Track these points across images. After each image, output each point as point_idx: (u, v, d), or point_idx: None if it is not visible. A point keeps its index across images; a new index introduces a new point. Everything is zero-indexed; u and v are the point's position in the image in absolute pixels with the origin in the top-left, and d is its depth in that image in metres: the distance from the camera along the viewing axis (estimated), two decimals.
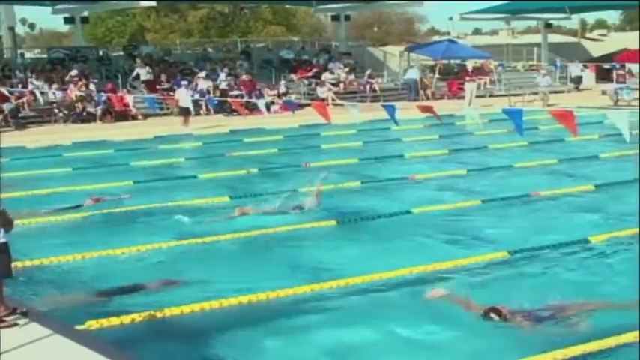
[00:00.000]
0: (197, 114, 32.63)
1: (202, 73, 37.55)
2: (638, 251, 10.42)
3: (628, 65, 45.94)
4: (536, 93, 38.75)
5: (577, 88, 44.08)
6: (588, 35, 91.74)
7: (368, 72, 42.24)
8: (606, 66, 45.29)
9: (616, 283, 10.19)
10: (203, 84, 36.39)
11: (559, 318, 8.69)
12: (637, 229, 12.41)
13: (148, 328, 8.75)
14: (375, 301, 9.69)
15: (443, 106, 23.47)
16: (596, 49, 60.65)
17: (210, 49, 49.52)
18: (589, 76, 47.54)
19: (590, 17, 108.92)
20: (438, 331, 8.68)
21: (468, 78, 40.73)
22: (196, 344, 8.48)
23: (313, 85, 40.27)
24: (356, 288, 10.05)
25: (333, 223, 13.53)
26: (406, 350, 8.32)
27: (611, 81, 41.26)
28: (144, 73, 36.94)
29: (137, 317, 8.87)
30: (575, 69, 45.44)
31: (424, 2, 49.36)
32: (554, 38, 61.82)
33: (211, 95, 34.80)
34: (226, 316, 9.14)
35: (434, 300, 9.28)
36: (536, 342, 8.10)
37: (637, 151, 20.39)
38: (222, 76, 38.02)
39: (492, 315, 8.56)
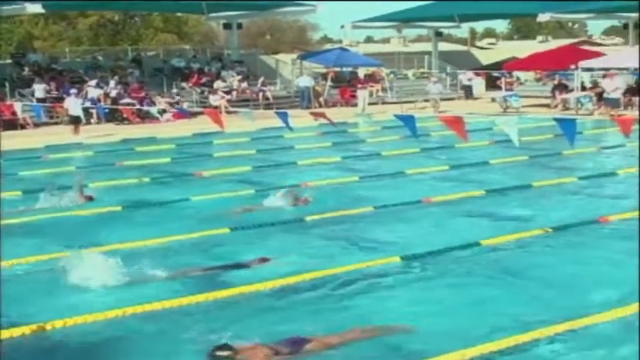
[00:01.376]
0: (88, 123, 32.13)
1: (93, 82, 36.97)
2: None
3: (516, 73, 46.96)
4: (427, 100, 39.28)
5: (467, 97, 44.59)
6: (478, 44, 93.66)
7: (261, 80, 42.26)
8: (495, 74, 46.17)
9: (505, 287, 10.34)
10: (93, 92, 35.83)
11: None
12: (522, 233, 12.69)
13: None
14: (260, 309, 9.60)
15: (336, 114, 23.56)
16: (485, 57, 61.82)
17: (100, 57, 48.85)
18: (479, 83, 48.41)
19: (480, 26, 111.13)
20: None
21: (360, 85, 41.03)
22: None
23: (206, 94, 40.07)
24: (236, 298, 9.92)
25: (226, 230, 13.42)
26: None
27: (501, 89, 42.05)
28: (40, 89, 35.85)
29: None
30: (463, 77, 46.03)
31: (316, 9, 49.45)
32: (444, 46, 62.93)
33: (102, 104, 34.29)
34: None
35: None
36: None
37: (526, 157, 20.92)
38: (112, 84, 37.49)
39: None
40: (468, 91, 44.54)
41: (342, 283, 10.35)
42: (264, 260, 11.54)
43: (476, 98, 41.08)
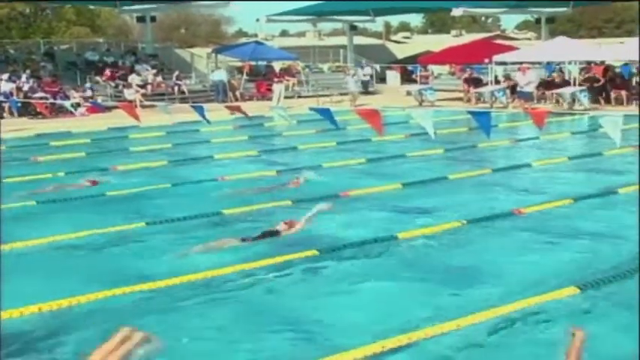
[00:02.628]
0: (0, 117, 31.52)
1: (4, 75, 36.26)
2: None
3: (431, 67, 47.38)
4: (344, 94, 39.41)
5: (367, 92, 43.93)
6: (393, 37, 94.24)
7: (175, 73, 41.92)
8: (410, 67, 46.54)
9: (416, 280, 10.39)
10: (5, 86, 35.15)
11: None
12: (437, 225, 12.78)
13: None
14: (177, 301, 9.52)
15: (252, 108, 23.43)
16: (400, 51, 62.27)
17: (11, 51, 47.83)
18: (394, 77, 48.76)
19: (394, 20, 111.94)
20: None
21: (276, 79, 40.94)
22: None
23: (120, 87, 39.59)
24: (158, 291, 9.82)
25: (142, 224, 13.26)
26: None
27: (416, 82, 42.35)
28: None
29: None
30: (360, 72, 45.24)
31: (230, 3, 49.26)
32: (359, 40, 63.11)
33: (14, 97, 33.65)
34: None
35: None
36: None
37: (442, 150, 21.09)
38: (24, 77, 36.82)
39: None
40: (364, 86, 43.83)
41: (257, 279, 10.31)
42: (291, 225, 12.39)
43: (372, 92, 40.84)
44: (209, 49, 52.50)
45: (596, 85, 35.03)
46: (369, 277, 10.43)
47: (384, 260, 11.27)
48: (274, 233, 12.20)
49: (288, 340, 8.38)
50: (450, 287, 9.87)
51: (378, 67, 48.32)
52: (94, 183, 17.04)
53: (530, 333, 8.51)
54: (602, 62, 37.12)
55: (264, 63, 47.28)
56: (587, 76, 36.07)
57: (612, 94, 34.85)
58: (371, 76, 46.17)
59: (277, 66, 47.63)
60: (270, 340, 8.35)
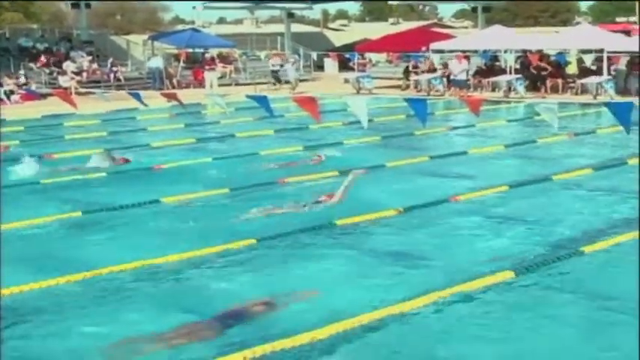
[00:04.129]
0: None
1: None
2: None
3: (368, 55, 47.48)
4: (287, 82, 39.34)
5: (275, 82, 41.84)
6: (331, 25, 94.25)
7: (110, 60, 41.47)
8: (348, 55, 46.59)
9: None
10: None
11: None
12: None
13: None
14: (118, 291, 9.48)
15: (188, 95, 23.27)
16: (338, 39, 62.30)
17: None
18: (332, 64, 48.77)
19: (332, 8, 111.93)
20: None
21: (207, 67, 40.50)
22: None
23: (55, 74, 39.06)
24: (100, 279, 9.75)
25: (78, 214, 13.08)
26: None
27: (354, 70, 42.38)
28: None
29: None
30: (273, 62, 43.35)
31: None
32: (297, 28, 62.98)
33: None
34: None
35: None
36: None
37: (379, 138, 21.13)
38: None
39: None
40: (276, 77, 42.14)
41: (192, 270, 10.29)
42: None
43: (287, 82, 40.51)
44: (145, 36, 51.97)
45: (544, 73, 35.38)
46: (308, 264, 10.41)
47: (322, 248, 11.26)
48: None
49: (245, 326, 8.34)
50: (388, 273, 9.89)
51: (315, 54, 48.26)
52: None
53: (468, 317, 8.58)
54: (540, 51, 37.46)
55: (201, 50, 46.95)
56: (537, 64, 36.36)
57: (548, 83, 35.19)
58: (281, 66, 44.48)
59: (214, 53, 47.31)
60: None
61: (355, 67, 42.74)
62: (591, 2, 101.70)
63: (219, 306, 8.77)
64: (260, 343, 7.56)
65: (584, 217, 12.95)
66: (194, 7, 55.33)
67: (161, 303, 9.10)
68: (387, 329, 8.18)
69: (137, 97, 14.83)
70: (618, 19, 72.57)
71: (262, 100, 13.04)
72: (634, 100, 15.03)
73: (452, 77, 35.63)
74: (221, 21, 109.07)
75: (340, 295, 9.19)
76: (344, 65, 47.78)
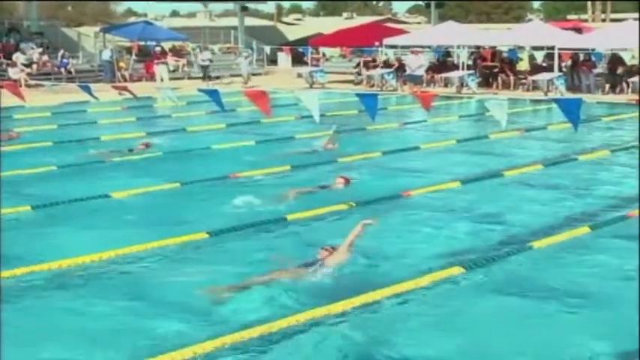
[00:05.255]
0: None
1: None
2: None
3: (322, 49, 47.42)
4: (236, 75, 39.19)
5: (204, 78, 41.03)
6: (285, 19, 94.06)
7: (61, 52, 41.02)
8: (301, 50, 46.50)
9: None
10: None
11: None
12: None
13: None
14: (71, 286, 9.42)
15: (140, 88, 23.03)
16: (292, 33, 62.20)
17: None
18: (286, 59, 48.69)
19: (286, 2, 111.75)
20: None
21: (156, 61, 40.04)
22: None
23: (4, 66, 38.57)
24: (51, 273, 9.68)
25: (28, 208, 12.91)
26: None
27: (307, 64, 42.29)
28: None
29: None
30: (201, 56, 42.85)
31: None
32: (251, 21, 62.76)
33: None
34: None
35: None
36: None
37: (332, 132, 21.08)
38: None
39: None
40: (204, 72, 41.43)
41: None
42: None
43: (213, 78, 40.18)
44: (97, 29, 51.47)
45: (495, 70, 35.64)
46: (255, 260, 10.36)
47: (271, 243, 11.23)
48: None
49: None
50: (339, 269, 9.86)
51: (268, 48, 48.14)
52: None
53: (418, 312, 8.60)
54: (493, 47, 37.66)
55: (154, 43, 46.61)
56: (486, 64, 36.58)
57: (500, 79, 35.43)
58: (210, 61, 43.41)
59: (166, 46, 46.96)
60: None
61: (309, 61, 42.65)
62: (543, 0, 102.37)
63: None
64: None
65: (534, 212, 13.05)
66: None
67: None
68: (335, 326, 8.17)
69: (87, 89, 14.66)
70: (569, 17, 73.17)
71: (213, 94, 12.95)
72: (584, 97, 15.18)
73: (408, 72, 35.65)
74: (174, 14, 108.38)
75: (288, 289, 9.18)
76: (297, 59, 47.68)
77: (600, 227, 11.84)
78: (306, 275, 9.46)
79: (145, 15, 77.50)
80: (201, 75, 40.91)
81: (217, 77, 40.48)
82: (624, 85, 32.79)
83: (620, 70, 33.20)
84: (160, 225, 12.03)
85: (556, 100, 11.85)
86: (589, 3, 67.96)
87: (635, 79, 31.77)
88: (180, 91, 18.77)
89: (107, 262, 10.16)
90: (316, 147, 18.96)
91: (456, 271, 9.58)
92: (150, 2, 55.14)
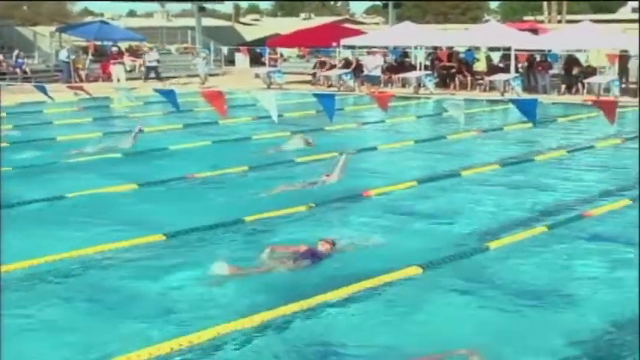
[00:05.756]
0: None
1: None
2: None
3: (280, 50, 47.42)
4: (194, 75, 39.05)
5: (146, 78, 40.52)
6: (242, 20, 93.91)
7: (16, 52, 40.64)
8: (259, 50, 46.41)
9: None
10: None
11: None
12: None
13: None
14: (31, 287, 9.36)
15: (97, 89, 22.90)
16: (249, 33, 62.06)
17: None
18: (243, 59, 48.57)
19: (244, 2, 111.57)
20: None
21: (112, 61, 39.64)
22: None
23: None
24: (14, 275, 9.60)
25: None
26: None
27: (265, 65, 42.22)
28: None
29: None
30: (149, 57, 42.16)
31: None
32: (208, 22, 62.58)
33: None
34: None
35: None
36: None
37: (289, 133, 21.08)
38: None
39: None
40: (150, 72, 40.82)
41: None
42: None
43: (161, 79, 39.99)
44: (53, 28, 51.02)
45: (452, 70, 35.84)
46: (213, 260, 10.31)
47: (231, 244, 11.19)
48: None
49: None
50: (299, 269, 9.85)
51: (226, 49, 48.00)
52: None
53: (376, 312, 8.62)
54: (450, 48, 37.80)
55: (110, 43, 46.28)
56: (443, 64, 36.76)
57: (457, 79, 35.62)
58: (157, 61, 42.96)
59: (122, 46, 46.63)
60: None
61: (266, 61, 42.59)
62: (500, 1, 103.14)
63: None
64: None
65: (490, 212, 13.12)
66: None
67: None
68: (293, 326, 8.16)
69: (43, 90, 14.56)
70: (526, 18, 73.75)
71: (169, 95, 12.89)
72: (540, 97, 15.31)
73: (365, 73, 35.70)
74: (131, 14, 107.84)
75: (262, 287, 9.24)
76: (255, 60, 47.59)
77: (557, 227, 11.94)
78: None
79: (102, 15, 76.93)
80: (152, 75, 40.30)
81: (169, 78, 40.18)
82: (579, 85, 33.13)
83: (575, 71, 33.57)
84: (116, 226, 11.95)
85: (513, 101, 11.95)
86: (545, 4, 68.45)
87: (591, 79, 32.15)
88: (137, 91, 18.67)
89: (63, 263, 10.07)
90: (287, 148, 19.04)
91: (414, 271, 9.61)
92: (106, 2, 54.39)
